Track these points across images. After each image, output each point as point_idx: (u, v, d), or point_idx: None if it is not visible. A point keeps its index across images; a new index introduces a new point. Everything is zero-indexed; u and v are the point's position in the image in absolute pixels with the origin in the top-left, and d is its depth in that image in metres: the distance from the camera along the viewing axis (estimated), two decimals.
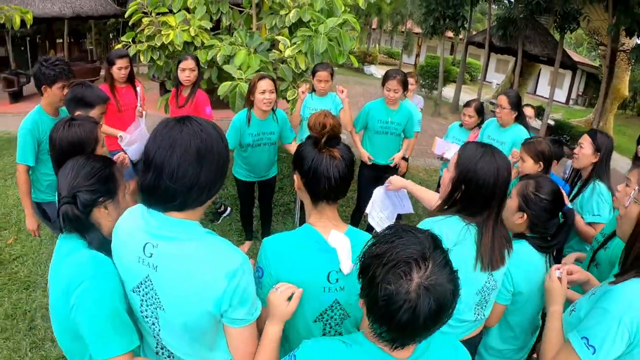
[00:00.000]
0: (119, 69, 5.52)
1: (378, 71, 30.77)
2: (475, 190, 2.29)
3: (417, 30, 24.50)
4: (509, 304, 2.66)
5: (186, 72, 5.63)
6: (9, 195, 7.47)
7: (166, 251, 1.73)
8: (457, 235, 2.22)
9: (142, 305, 1.84)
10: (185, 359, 1.90)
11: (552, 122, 17.01)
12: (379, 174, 5.67)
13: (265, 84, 4.86)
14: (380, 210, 3.45)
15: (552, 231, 2.72)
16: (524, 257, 2.59)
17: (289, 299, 1.86)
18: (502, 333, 2.80)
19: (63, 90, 4.41)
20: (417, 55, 35.79)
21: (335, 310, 2.04)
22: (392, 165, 5.82)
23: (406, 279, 1.35)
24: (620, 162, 14.52)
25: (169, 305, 1.76)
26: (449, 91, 23.67)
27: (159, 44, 6.66)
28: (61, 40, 18.94)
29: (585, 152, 3.89)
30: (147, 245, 1.75)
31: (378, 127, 5.62)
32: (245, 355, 1.84)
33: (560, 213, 2.75)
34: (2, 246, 5.97)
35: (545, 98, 14.16)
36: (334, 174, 1.94)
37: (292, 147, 5.37)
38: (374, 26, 41.37)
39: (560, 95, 37.10)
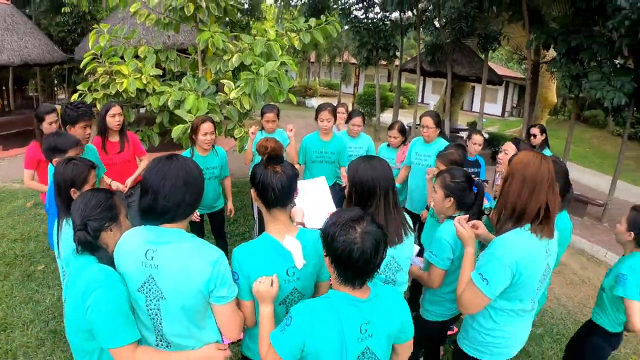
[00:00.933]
0: (50, 124, 5.66)
1: (319, 103, 31.48)
2: (361, 189, 2.95)
3: (354, 60, 25.29)
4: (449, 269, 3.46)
5: (116, 117, 5.86)
6: None
7: (164, 252, 2.35)
8: None
9: (146, 301, 2.39)
10: (182, 342, 2.47)
11: (486, 136, 17.88)
12: None
13: (206, 127, 5.43)
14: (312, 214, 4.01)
15: (471, 202, 3.55)
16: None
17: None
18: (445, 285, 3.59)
19: (85, 130, 5.02)
20: (356, 85, 36.40)
21: (294, 295, 2.69)
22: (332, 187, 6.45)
23: (353, 231, 2.14)
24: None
25: (170, 293, 2.35)
26: (387, 117, 24.37)
27: (113, 92, 6.95)
28: (5, 88, 18.91)
29: (509, 157, 4.42)
30: (148, 251, 2.36)
31: (314, 157, 6.31)
32: (230, 326, 2.51)
33: (474, 187, 3.59)
34: None
35: (484, 114, 15.14)
36: (277, 185, 2.60)
37: (227, 182, 6.09)
38: (312, 60, 41.91)
39: (496, 108, 38.55)
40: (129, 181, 6.02)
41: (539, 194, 2.74)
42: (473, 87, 18.85)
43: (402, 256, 3.11)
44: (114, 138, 6.06)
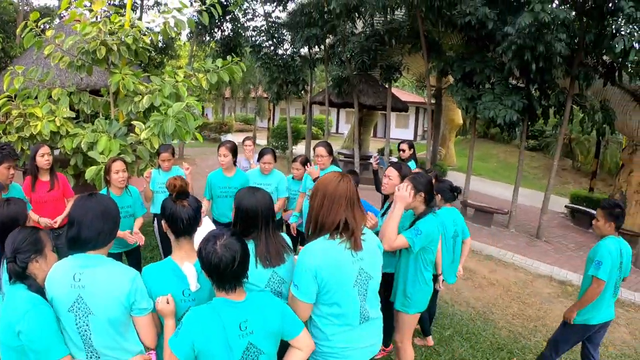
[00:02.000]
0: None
1: (235, 138, 31.57)
2: (243, 217, 3.34)
3: (267, 95, 25.73)
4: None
5: (45, 157, 6.04)
6: None
7: (90, 274, 2.77)
8: None
9: (76, 319, 2.74)
10: (110, 354, 2.83)
11: (395, 159, 18.49)
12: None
13: (118, 165, 5.69)
14: None
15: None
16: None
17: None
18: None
19: (9, 170, 5.26)
20: (269, 119, 36.81)
21: None
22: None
23: (213, 244, 2.63)
24: (459, 179, 16.48)
25: (97, 308, 2.73)
26: (301, 149, 24.66)
27: (28, 135, 7.10)
28: None
29: (393, 182, 4.95)
30: (76, 274, 2.76)
31: (219, 192, 6.68)
32: (148, 335, 2.96)
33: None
34: None
35: (392, 139, 15.76)
36: (184, 216, 3.08)
37: (138, 222, 6.24)
38: (227, 95, 42.29)
39: (408, 133, 40.02)
40: (59, 219, 6.19)
41: (338, 209, 3.11)
42: (384, 115, 19.52)
43: (283, 271, 3.39)
44: (45, 177, 6.26)
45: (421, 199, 4.49)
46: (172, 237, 3.20)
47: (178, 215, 3.09)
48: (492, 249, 10.82)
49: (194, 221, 3.16)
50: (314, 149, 6.95)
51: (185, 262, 3.11)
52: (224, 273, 2.64)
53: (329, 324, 3.19)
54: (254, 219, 3.34)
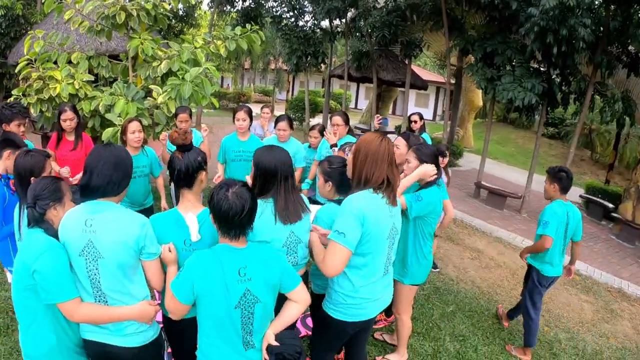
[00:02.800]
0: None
1: (253, 109, 31.69)
2: (262, 174, 3.50)
3: (287, 67, 25.67)
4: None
5: (67, 122, 6.30)
6: None
7: (100, 219, 2.89)
8: (259, 210, 3.24)
9: (86, 263, 2.87)
10: (118, 298, 2.95)
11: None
12: None
13: (134, 126, 5.81)
14: None
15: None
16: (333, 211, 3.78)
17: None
18: None
19: (19, 127, 5.42)
20: (288, 91, 36.79)
21: None
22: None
23: (225, 191, 2.77)
24: (475, 161, 16.54)
25: (107, 252, 2.85)
26: (318, 121, 24.83)
27: (47, 97, 7.16)
28: None
29: (400, 151, 5.07)
30: (87, 220, 2.88)
31: (233, 155, 6.75)
32: (156, 278, 3.11)
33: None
34: None
35: (409, 116, 15.79)
36: (177, 167, 3.24)
37: (159, 181, 6.55)
38: (246, 66, 42.20)
39: (427, 113, 39.47)
40: (78, 176, 6.31)
41: (382, 166, 3.29)
42: (404, 92, 19.45)
43: (300, 230, 3.60)
44: (70, 137, 6.51)
45: None
46: (176, 188, 3.42)
47: (173, 166, 3.29)
48: (502, 232, 10.82)
49: (188, 173, 3.29)
50: (330, 118, 6.99)
51: (188, 213, 3.25)
52: (233, 220, 2.77)
53: (358, 274, 3.43)
54: (273, 175, 3.49)
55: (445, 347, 5.80)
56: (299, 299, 3.07)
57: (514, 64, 11.88)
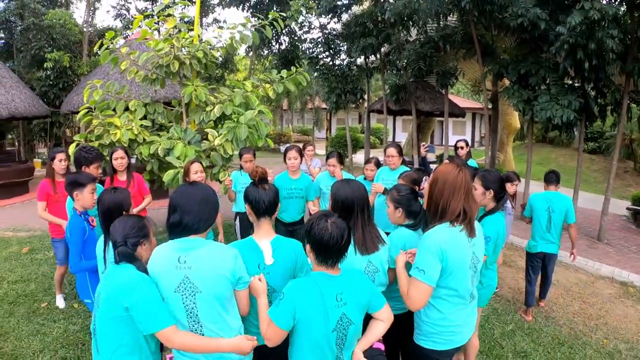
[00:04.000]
0: (60, 161, 6.76)
1: (298, 146, 31.98)
2: (339, 206, 3.68)
3: (325, 105, 25.91)
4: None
5: (119, 160, 6.81)
6: None
7: (194, 256, 2.99)
8: None
9: (183, 299, 2.97)
10: (214, 328, 3.04)
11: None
12: (289, 228, 7.24)
13: (196, 167, 6.25)
14: None
15: (419, 209, 4.20)
16: (405, 235, 4.05)
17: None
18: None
19: (97, 170, 5.90)
20: (328, 129, 37.02)
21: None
22: (301, 219, 7.35)
23: (324, 222, 2.95)
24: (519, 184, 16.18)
25: (205, 286, 2.96)
26: (360, 157, 25.07)
27: (107, 142, 7.52)
28: None
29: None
30: (180, 257, 2.98)
31: (285, 193, 6.98)
32: (244, 305, 3.25)
33: (418, 197, 4.30)
34: None
35: (450, 146, 15.67)
36: (266, 199, 3.50)
37: (218, 218, 6.66)
38: (285, 107, 42.64)
39: (467, 140, 39.38)
40: (136, 211, 6.61)
41: (459, 198, 3.32)
42: (441, 122, 19.51)
43: (377, 260, 3.73)
44: (122, 177, 7.05)
45: (491, 196, 4.75)
46: (253, 218, 3.61)
47: (260, 198, 3.51)
48: None
49: (274, 203, 3.58)
50: (385, 151, 7.38)
51: (262, 239, 3.51)
52: (332, 249, 2.96)
53: (447, 304, 3.47)
54: (350, 207, 3.68)
55: None
56: (385, 318, 3.25)
57: (548, 82, 11.91)
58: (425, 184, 4.11)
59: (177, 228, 3.07)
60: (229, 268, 3.04)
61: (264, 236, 3.54)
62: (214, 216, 3.23)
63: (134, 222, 3.27)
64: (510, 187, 7.31)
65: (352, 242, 3.55)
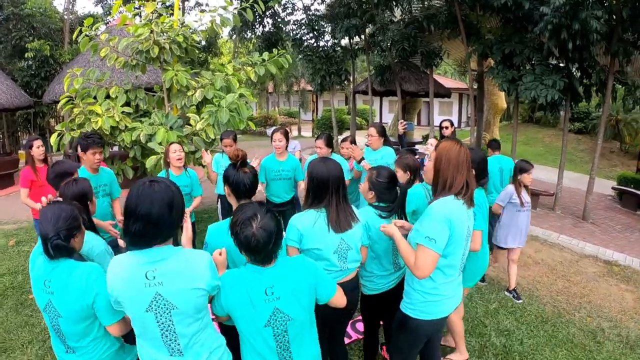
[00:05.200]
0: (37, 147, 7.04)
1: (284, 128, 32.05)
2: (315, 184, 3.72)
3: (310, 87, 25.86)
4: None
5: (96, 155, 6.13)
6: None
7: (164, 269, 2.63)
8: (312, 220, 3.67)
9: (156, 317, 2.65)
10: (195, 339, 2.79)
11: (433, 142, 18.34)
12: (279, 209, 7.24)
13: (175, 146, 6.39)
14: None
15: (394, 198, 4.24)
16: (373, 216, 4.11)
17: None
18: (368, 262, 4.29)
19: (95, 155, 5.83)
20: (313, 111, 37.02)
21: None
22: (289, 200, 7.37)
23: (250, 227, 2.77)
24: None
25: (181, 301, 2.65)
26: (346, 135, 25.00)
27: (89, 130, 7.42)
28: None
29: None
30: (148, 272, 2.61)
31: (272, 175, 7.10)
32: None
33: (397, 187, 4.29)
34: None
35: (436, 126, 15.56)
36: (246, 181, 3.45)
37: (197, 201, 6.79)
38: (270, 90, 42.42)
39: (452, 120, 39.42)
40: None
41: (463, 172, 3.41)
42: (427, 103, 19.42)
43: (350, 238, 3.79)
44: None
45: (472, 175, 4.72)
46: (233, 200, 3.57)
47: (240, 180, 3.47)
48: (537, 230, 10.85)
49: (254, 185, 3.53)
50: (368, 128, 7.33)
51: None
52: (260, 251, 2.83)
53: (441, 274, 3.54)
54: (325, 186, 3.70)
55: (491, 342, 5.93)
56: (339, 304, 3.25)
57: (533, 62, 11.94)
58: (427, 162, 4.10)
59: (139, 238, 2.64)
60: (205, 279, 2.74)
61: None
62: (181, 218, 2.86)
63: (66, 213, 3.00)
64: (525, 178, 6.92)
65: (326, 220, 3.69)
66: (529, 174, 6.90)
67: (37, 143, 7.10)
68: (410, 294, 3.73)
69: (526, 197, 6.92)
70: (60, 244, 2.88)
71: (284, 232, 3.39)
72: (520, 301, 7.09)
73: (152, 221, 2.58)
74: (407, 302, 3.74)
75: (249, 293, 2.85)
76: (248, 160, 3.69)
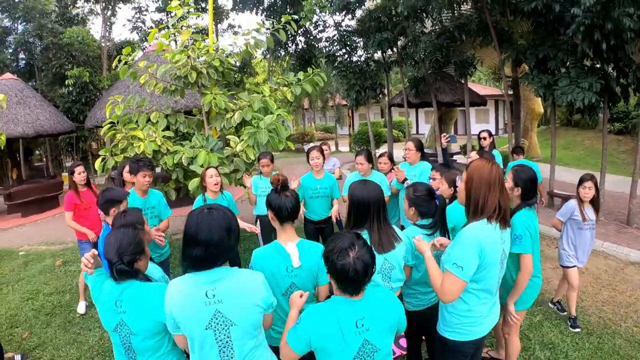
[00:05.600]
0: (79, 173, 7.34)
1: (319, 145, 32.00)
2: (355, 207, 3.71)
3: (346, 102, 25.86)
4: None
5: (146, 177, 6.35)
6: (10, 300, 8.32)
7: (223, 288, 2.80)
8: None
9: (215, 334, 2.79)
10: (250, 357, 2.93)
11: (474, 154, 18.04)
12: (317, 226, 7.37)
13: (211, 171, 6.58)
14: None
15: (434, 212, 4.29)
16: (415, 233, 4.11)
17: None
18: (413, 280, 4.35)
19: (145, 177, 6.06)
20: (349, 125, 36.99)
21: (293, 289, 3.50)
22: (328, 217, 7.34)
23: (347, 257, 2.75)
24: (544, 170, 15.89)
25: (239, 318, 2.82)
26: (383, 151, 24.93)
27: (132, 155, 7.63)
28: (18, 158, 19.44)
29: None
30: (208, 291, 2.77)
31: (310, 193, 7.17)
32: (269, 325, 3.20)
33: (435, 200, 4.34)
34: (19, 340, 6.77)
35: (473, 135, 15.26)
36: (288, 205, 3.54)
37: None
38: (306, 107, 42.83)
39: (489, 128, 38.61)
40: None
41: (495, 193, 3.35)
42: (463, 111, 19.19)
43: (393, 258, 3.73)
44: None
45: (518, 194, 4.64)
46: (276, 224, 3.66)
47: (283, 205, 3.56)
48: None
49: (296, 209, 3.61)
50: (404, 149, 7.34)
51: (288, 243, 3.56)
52: (355, 282, 2.82)
53: (474, 297, 3.53)
54: (366, 209, 3.69)
55: (535, 356, 5.84)
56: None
57: (567, 65, 11.67)
58: (459, 182, 4.11)
59: (200, 263, 2.82)
60: (261, 296, 2.92)
61: (289, 239, 3.60)
62: (237, 242, 3.03)
63: (129, 238, 3.16)
64: (582, 192, 6.32)
65: (369, 242, 3.48)
66: (585, 187, 6.28)
67: (79, 169, 7.37)
68: (445, 316, 3.74)
69: (590, 213, 6.34)
70: (124, 269, 3.05)
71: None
72: (565, 313, 6.93)
73: (212, 246, 2.75)
74: (443, 324, 3.76)
75: (341, 325, 2.84)
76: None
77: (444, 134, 8.40)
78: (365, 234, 3.63)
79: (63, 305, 7.73)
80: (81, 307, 7.55)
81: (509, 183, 4.57)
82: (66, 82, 20.75)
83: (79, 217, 7.34)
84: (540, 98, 16.38)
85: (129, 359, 3.24)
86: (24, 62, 24.90)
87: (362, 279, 2.79)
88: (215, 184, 6.57)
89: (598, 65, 11.69)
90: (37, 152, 27.57)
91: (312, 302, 3.60)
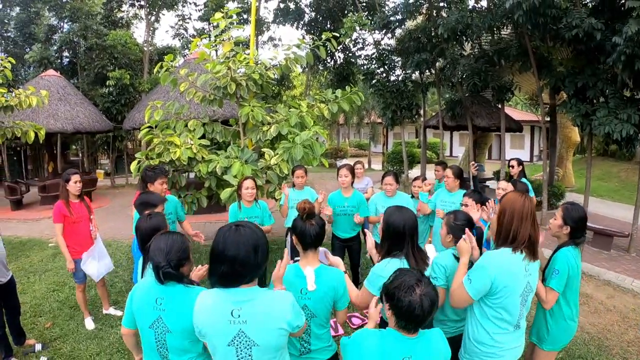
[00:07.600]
0: (75, 182, 6.63)
1: (349, 162, 31.90)
2: (390, 232, 3.79)
3: (381, 120, 25.81)
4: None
5: (164, 184, 6.49)
6: (36, 289, 8.51)
7: (249, 309, 2.76)
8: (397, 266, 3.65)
9: (237, 351, 2.78)
10: None
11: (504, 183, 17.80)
12: (344, 243, 7.40)
13: (248, 183, 6.68)
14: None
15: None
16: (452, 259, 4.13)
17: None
18: (446, 306, 4.25)
19: (162, 185, 6.10)
20: (383, 144, 36.93)
21: (305, 311, 3.50)
22: (356, 235, 7.39)
23: (414, 294, 2.72)
24: (578, 201, 15.71)
25: (263, 340, 2.78)
26: (416, 172, 24.68)
27: (167, 160, 7.86)
28: (55, 152, 19.75)
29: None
30: (234, 311, 2.76)
31: (338, 210, 7.18)
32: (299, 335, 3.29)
33: (473, 230, 4.29)
34: (42, 329, 6.89)
35: (506, 161, 15.01)
36: (312, 233, 3.59)
37: (267, 229, 6.88)
38: (341, 122, 42.79)
39: (524, 154, 38.22)
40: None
41: (527, 225, 3.46)
42: (498, 136, 18.89)
43: None
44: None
45: (567, 232, 4.38)
46: (300, 248, 3.71)
47: (307, 233, 3.60)
48: (610, 274, 10.24)
49: (320, 237, 3.65)
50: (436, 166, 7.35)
51: (307, 267, 3.62)
52: (419, 319, 2.76)
53: (493, 325, 3.59)
54: (401, 234, 3.78)
55: None
56: None
57: (607, 95, 11.44)
58: (492, 216, 4.13)
59: (227, 280, 2.82)
60: (287, 320, 2.84)
61: (309, 264, 3.67)
62: (266, 261, 2.94)
63: (177, 245, 3.27)
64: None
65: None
66: None
67: (75, 178, 6.67)
68: (465, 343, 3.80)
69: None
70: (171, 272, 3.14)
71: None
72: None
73: (238, 263, 2.73)
74: (464, 352, 3.83)
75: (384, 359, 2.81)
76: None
77: (473, 162, 8.39)
78: (404, 261, 3.72)
79: (88, 300, 7.68)
80: (89, 324, 7.12)
81: (558, 221, 4.41)
82: (107, 83, 21.25)
83: (69, 233, 6.69)
84: (577, 127, 16.20)
85: (161, 356, 3.32)
86: (67, 60, 25.37)
87: (427, 317, 2.75)
88: (250, 195, 6.68)
89: (638, 97, 11.47)
90: (73, 147, 28.35)
91: (328, 325, 3.77)
